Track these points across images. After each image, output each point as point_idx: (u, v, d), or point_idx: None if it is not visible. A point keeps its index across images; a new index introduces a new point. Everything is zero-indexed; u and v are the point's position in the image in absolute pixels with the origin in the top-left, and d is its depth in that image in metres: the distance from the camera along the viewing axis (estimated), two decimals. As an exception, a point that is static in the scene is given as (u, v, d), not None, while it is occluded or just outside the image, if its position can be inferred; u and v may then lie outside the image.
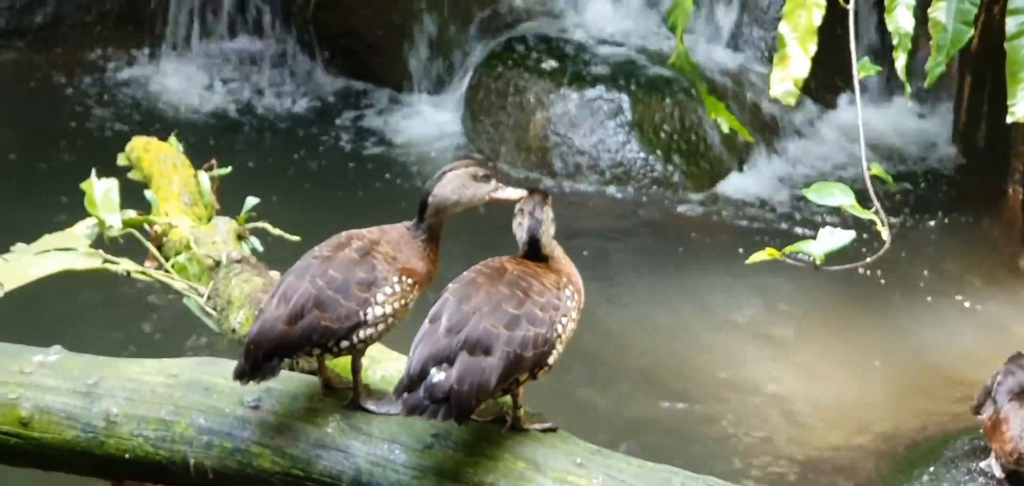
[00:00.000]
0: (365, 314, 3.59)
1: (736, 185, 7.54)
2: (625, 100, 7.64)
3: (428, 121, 8.22)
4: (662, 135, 7.57)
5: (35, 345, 4.06)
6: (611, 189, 7.49)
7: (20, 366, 3.97)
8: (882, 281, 6.44)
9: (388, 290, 3.62)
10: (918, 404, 5.67)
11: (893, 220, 6.57)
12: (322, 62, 8.68)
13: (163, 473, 3.85)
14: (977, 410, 5.00)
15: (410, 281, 3.65)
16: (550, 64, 7.91)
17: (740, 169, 7.62)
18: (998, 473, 4.98)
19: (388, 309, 3.62)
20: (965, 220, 7.21)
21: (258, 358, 3.57)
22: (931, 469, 5.13)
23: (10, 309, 4.53)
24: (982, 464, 5.05)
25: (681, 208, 7.34)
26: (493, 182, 3.72)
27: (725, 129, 6.59)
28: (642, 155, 7.53)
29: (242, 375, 3.59)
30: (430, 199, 3.68)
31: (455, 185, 3.69)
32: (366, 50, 8.53)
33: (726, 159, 7.61)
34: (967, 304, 6.46)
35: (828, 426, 5.53)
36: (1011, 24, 5.68)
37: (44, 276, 4.60)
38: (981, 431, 5.05)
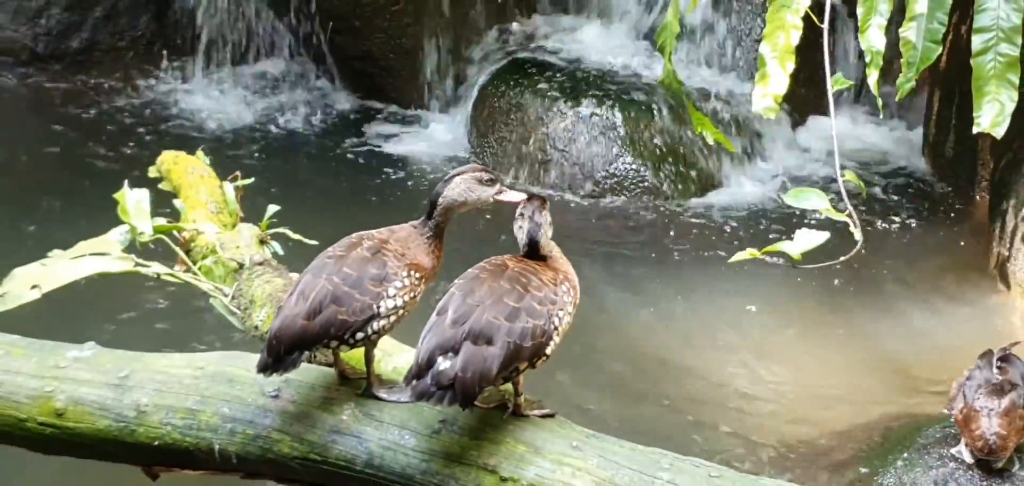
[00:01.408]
0: (378, 307, 3.62)
1: (720, 193, 7.55)
2: (617, 116, 7.64)
3: (436, 136, 8.23)
4: (652, 148, 7.58)
5: (71, 342, 4.07)
6: (605, 198, 7.49)
7: (56, 361, 3.98)
8: (859, 282, 6.43)
9: (398, 284, 3.64)
10: (892, 396, 5.65)
11: (867, 225, 6.57)
12: (338, 83, 8.68)
13: (190, 459, 3.87)
14: (951, 403, 5.00)
15: (418, 275, 3.68)
16: (548, 84, 7.91)
17: (724, 179, 7.62)
18: (968, 458, 4.97)
19: (399, 301, 3.65)
20: (936, 225, 7.20)
21: (280, 352, 3.59)
22: (905, 455, 5.12)
23: (48, 309, 4.54)
24: (953, 451, 5.03)
25: (669, 215, 7.35)
26: (497, 186, 3.77)
27: (710, 141, 6.62)
28: (633, 166, 7.53)
29: (265, 368, 3.61)
30: (440, 200, 3.72)
31: (462, 187, 3.73)
32: (379, 72, 8.54)
33: (711, 169, 7.62)
34: (938, 304, 6.45)
35: (808, 415, 5.52)
36: (976, 42, 5.69)
37: (80, 278, 4.61)
38: (953, 421, 5.04)
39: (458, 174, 3.75)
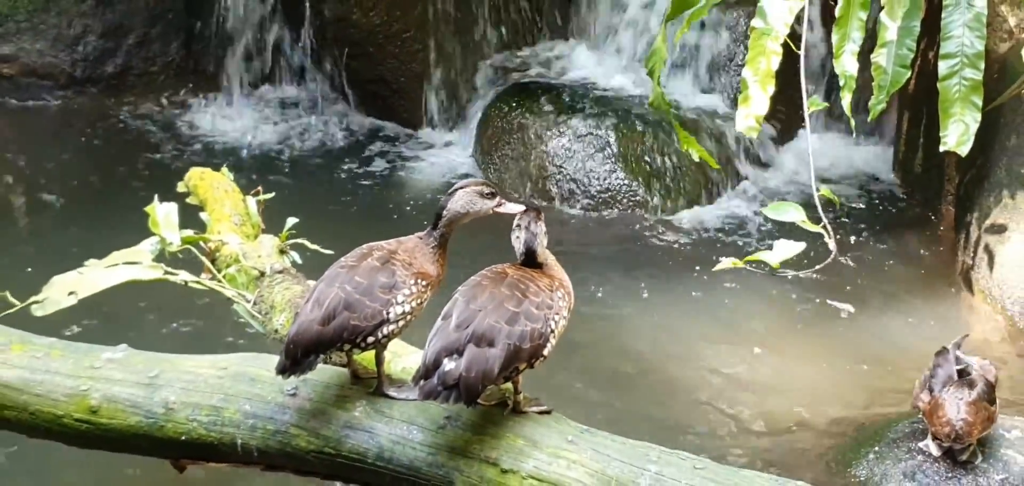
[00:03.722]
0: (387, 313, 3.62)
1: (706, 207, 7.54)
2: (611, 135, 7.64)
3: (443, 154, 8.23)
4: (643, 165, 7.58)
5: (105, 344, 4.07)
6: (600, 211, 7.49)
7: (91, 362, 3.99)
8: (834, 288, 6.42)
9: (406, 291, 3.65)
10: (865, 394, 5.65)
11: (841, 236, 6.57)
12: (353, 105, 8.69)
13: (214, 453, 3.88)
14: (917, 398, 5.00)
15: (424, 283, 3.69)
16: (548, 106, 7.91)
17: (709, 193, 7.63)
18: (935, 452, 4.97)
19: (407, 308, 3.65)
20: (906, 236, 7.19)
21: (297, 354, 3.60)
22: (876, 449, 5.12)
23: (84, 314, 4.56)
24: (921, 444, 5.03)
25: (659, 226, 7.35)
26: (497, 198, 3.78)
27: (696, 158, 6.62)
28: (626, 182, 7.52)
29: (283, 370, 3.62)
30: (445, 211, 3.73)
31: (465, 200, 3.74)
32: (391, 94, 8.54)
33: (697, 184, 7.61)
34: (908, 308, 6.43)
35: (786, 412, 5.51)
36: (943, 67, 5.70)
37: (113, 286, 4.61)
38: (920, 415, 5.04)
39: (461, 187, 3.77)
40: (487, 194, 3.76)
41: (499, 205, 3.77)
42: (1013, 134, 6.40)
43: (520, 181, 7.71)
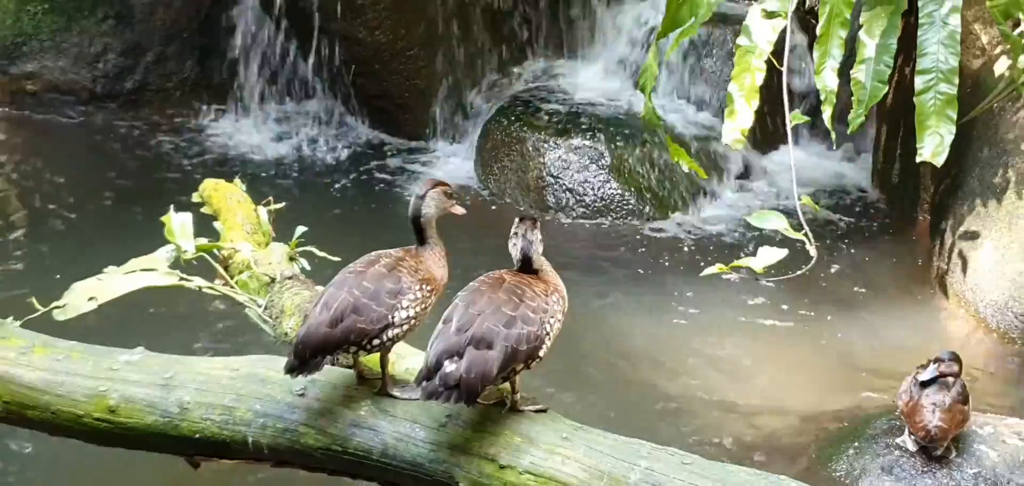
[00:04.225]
0: (393, 317, 3.63)
1: (694, 215, 7.54)
2: (604, 148, 7.64)
3: (446, 166, 8.23)
4: (634, 175, 7.58)
5: (123, 347, 4.08)
6: (594, 219, 7.49)
7: (109, 364, 3.99)
8: (815, 292, 6.42)
9: (411, 297, 3.66)
10: (845, 392, 5.65)
11: (822, 243, 6.56)
12: (360, 119, 8.69)
13: (227, 450, 3.89)
14: (900, 396, 5.02)
15: (429, 288, 3.70)
16: (544, 119, 7.92)
17: (697, 202, 7.63)
18: (911, 447, 4.99)
19: (411, 312, 3.66)
20: (884, 242, 7.20)
21: (306, 355, 3.60)
22: (856, 444, 5.13)
23: (102, 319, 4.55)
24: (898, 440, 5.04)
25: (650, 234, 7.35)
26: (453, 200, 3.84)
27: (685, 169, 6.63)
28: (619, 192, 7.53)
29: (292, 370, 3.62)
30: (422, 219, 3.77)
31: (436, 203, 3.83)
32: (396, 109, 8.54)
33: (686, 194, 7.62)
34: (885, 311, 6.44)
35: (771, 408, 5.51)
36: (919, 82, 5.71)
37: (130, 291, 4.62)
38: (899, 414, 5.05)
39: (428, 192, 3.80)
40: (449, 194, 3.83)
41: (453, 207, 3.85)
42: (985, 146, 6.41)
43: (519, 191, 7.71)
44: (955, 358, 5.00)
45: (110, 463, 4.36)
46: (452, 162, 8.26)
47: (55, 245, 6.90)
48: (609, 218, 7.48)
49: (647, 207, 7.50)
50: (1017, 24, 5.98)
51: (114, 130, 8.46)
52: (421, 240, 3.79)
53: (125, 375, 3.94)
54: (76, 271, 4.73)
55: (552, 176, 7.63)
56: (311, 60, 8.65)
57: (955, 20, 5.72)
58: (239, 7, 8.67)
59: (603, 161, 7.60)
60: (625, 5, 8.77)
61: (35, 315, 4.44)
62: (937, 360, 4.98)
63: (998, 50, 6.42)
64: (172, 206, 4.92)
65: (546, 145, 7.72)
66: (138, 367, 3.96)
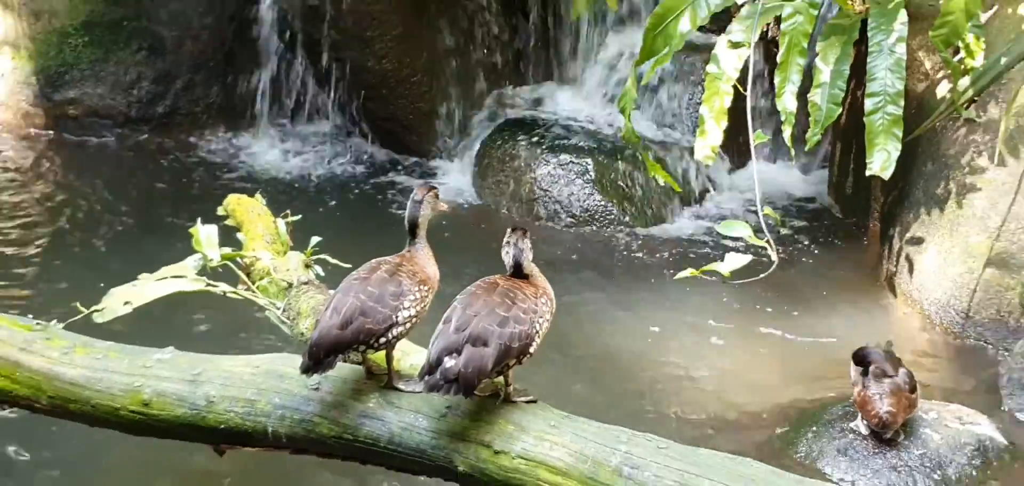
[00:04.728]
0: (396, 317, 3.63)
1: (669, 224, 7.54)
2: (589, 164, 7.64)
3: (447, 181, 8.22)
4: (616, 188, 7.58)
5: (155, 347, 4.07)
6: (580, 228, 7.49)
7: (143, 362, 3.98)
8: (778, 293, 6.41)
9: (412, 298, 3.65)
10: (805, 382, 5.65)
11: (784, 249, 6.56)
12: (369, 138, 8.68)
13: (249, 439, 3.87)
14: (853, 387, 5.02)
15: (426, 288, 3.70)
16: (535, 139, 7.92)
17: (672, 213, 7.63)
18: (863, 431, 5.00)
19: (412, 312, 3.66)
20: (839, 248, 7.20)
21: (319, 355, 3.59)
22: (814, 429, 5.13)
23: (136, 321, 4.54)
24: (852, 424, 5.05)
25: (630, 241, 7.35)
26: (441, 201, 3.86)
27: (661, 183, 6.63)
28: (602, 203, 7.53)
29: (307, 369, 3.61)
30: (420, 220, 3.75)
31: (430, 205, 3.83)
32: (402, 130, 8.54)
33: (662, 205, 7.62)
34: (841, 309, 6.43)
35: (738, 398, 5.51)
36: (869, 104, 5.72)
37: (162, 296, 4.61)
38: (852, 401, 5.05)
39: (422, 198, 3.80)
40: (438, 196, 3.84)
41: (442, 206, 3.87)
42: (929, 160, 6.42)
43: (512, 203, 7.71)
44: (889, 357, 5.01)
45: (140, 452, 4.35)
46: (452, 177, 8.26)
47: (94, 254, 6.89)
48: (593, 226, 7.48)
49: (627, 217, 7.50)
50: (957, 51, 5.99)
51: (147, 150, 8.45)
52: (412, 239, 3.79)
53: (157, 372, 3.93)
54: (113, 278, 4.72)
55: (542, 189, 7.62)
56: (325, 86, 8.65)
57: (901, 48, 5.74)
58: (260, 40, 8.66)
59: (588, 175, 7.60)
60: (607, 36, 8.77)
61: (76, 318, 4.43)
62: (860, 356, 4.98)
63: (940, 75, 6.43)
64: (199, 219, 4.91)
65: (536, 161, 7.72)
66: (169, 365, 3.95)
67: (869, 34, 5.82)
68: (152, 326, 4.63)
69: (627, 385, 5.55)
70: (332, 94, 8.66)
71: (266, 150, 8.54)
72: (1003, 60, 6.02)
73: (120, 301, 4.50)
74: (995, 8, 6.33)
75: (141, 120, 8.62)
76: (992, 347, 5.86)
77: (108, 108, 8.59)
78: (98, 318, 4.46)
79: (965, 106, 6.18)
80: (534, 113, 8.49)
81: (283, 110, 8.75)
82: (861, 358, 4.99)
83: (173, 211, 7.34)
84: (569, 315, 5.87)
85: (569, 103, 8.60)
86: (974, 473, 4.90)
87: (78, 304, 4.51)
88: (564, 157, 7.69)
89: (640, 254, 7.15)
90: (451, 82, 8.53)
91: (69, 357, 4.02)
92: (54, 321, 4.25)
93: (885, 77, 5.70)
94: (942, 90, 6.37)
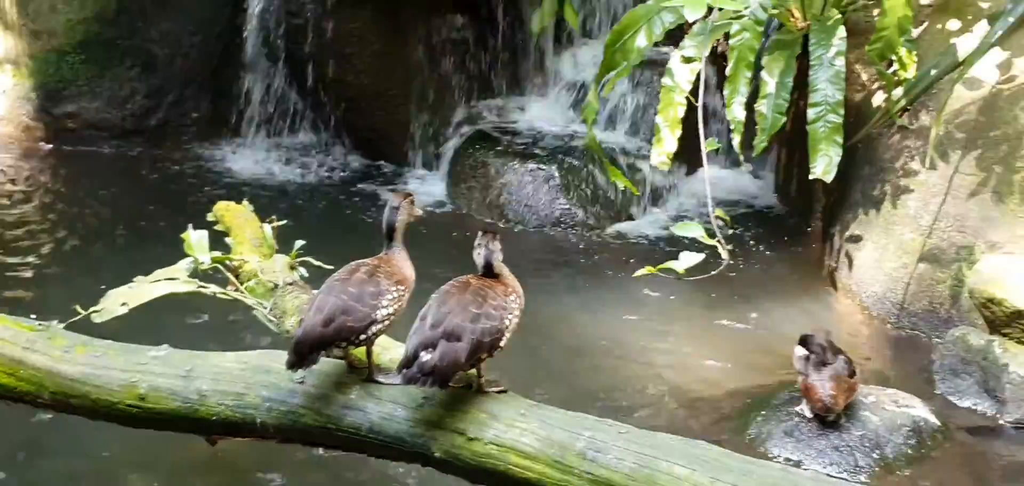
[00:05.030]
0: (376, 315, 3.62)
1: (629, 225, 7.57)
2: (555, 170, 7.66)
3: (423, 187, 8.22)
4: (580, 192, 7.60)
5: (150, 345, 4.06)
6: (546, 230, 7.51)
7: (139, 359, 3.97)
8: (729, 288, 6.46)
9: (389, 297, 3.66)
10: (754, 370, 5.68)
11: (734, 247, 6.61)
12: (350, 148, 8.67)
13: (239, 429, 3.88)
14: (798, 375, 5.06)
15: (403, 288, 3.70)
16: (505, 147, 7.93)
17: (632, 215, 7.67)
18: (808, 414, 5.04)
19: (390, 309, 3.66)
20: (785, 246, 7.24)
21: (304, 352, 3.59)
22: (763, 413, 5.17)
23: (133, 320, 4.52)
24: (797, 408, 5.09)
25: (593, 241, 7.38)
26: (416, 207, 3.85)
27: (621, 187, 6.67)
28: (567, 207, 7.55)
29: (292, 365, 3.61)
30: (396, 225, 3.75)
31: (406, 211, 3.82)
32: (380, 139, 8.53)
33: (622, 208, 7.65)
34: (787, 302, 6.47)
35: (693, 386, 5.54)
36: (811, 113, 5.78)
37: (156, 297, 4.59)
38: (797, 388, 5.10)
39: (399, 204, 3.81)
40: (413, 202, 3.85)
41: (416, 211, 3.87)
42: (866, 165, 6.48)
43: (483, 207, 7.72)
44: (830, 346, 5.05)
45: (138, 442, 4.33)
46: (427, 184, 8.25)
47: (92, 258, 6.84)
48: (559, 229, 7.50)
49: (590, 219, 7.53)
50: (891, 64, 6.07)
51: (141, 160, 8.40)
52: (390, 243, 3.79)
53: (152, 368, 3.93)
54: (110, 280, 4.69)
55: (511, 194, 7.64)
56: (308, 99, 8.63)
57: (840, 62, 5.81)
58: (246, 56, 8.63)
59: (553, 181, 7.62)
60: (570, 51, 8.79)
61: (76, 318, 4.39)
62: (804, 342, 5.02)
63: (876, 85, 6.50)
64: (190, 225, 4.89)
65: (506, 168, 7.74)
66: (163, 361, 3.94)
67: (810, 49, 5.88)
68: (147, 325, 4.60)
69: (592, 376, 5.57)
70: (315, 107, 8.64)
71: (253, 159, 8.50)
72: (933, 72, 6.11)
73: (117, 302, 4.48)
74: (925, 24, 6.42)
75: (135, 132, 8.57)
76: (925, 336, 5.92)
77: (104, 121, 8.54)
78: (96, 318, 4.43)
79: (899, 114, 6.26)
80: (503, 123, 8.50)
81: (269, 122, 8.72)
82: (805, 344, 5.04)
83: (165, 217, 7.29)
84: (537, 311, 5.86)
85: (536, 113, 8.62)
86: (909, 451, 4.96)
87: (77, 306, 4.48)
88: (531, 164, 7.71)
89: (603, 254, 7.18)
90: (426, 95, 8.53)
91: (70, 355, 4.01)
92: (55, 321, 4.23)
93: (826, 88, 5.76)
94: (878, 100, 6.44)
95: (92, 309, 4.47)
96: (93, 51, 8.50)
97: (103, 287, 4.62)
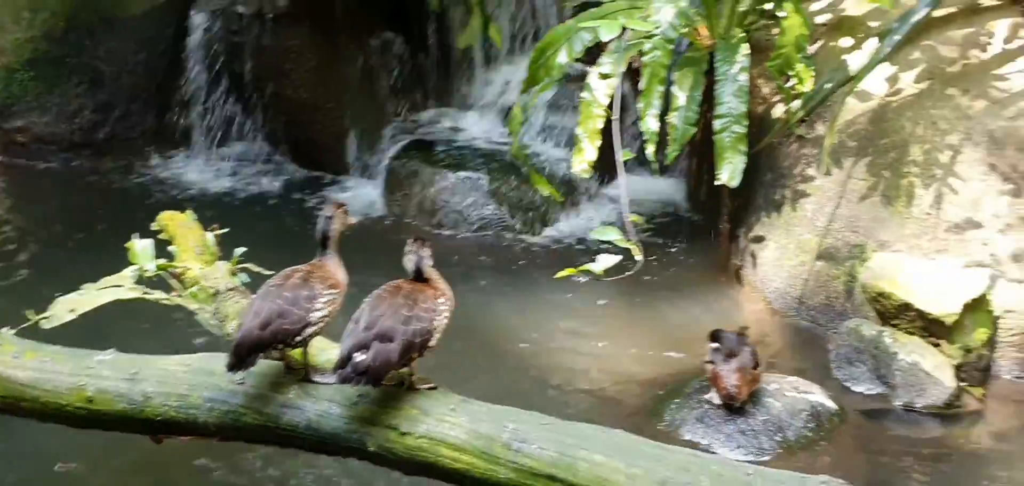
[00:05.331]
0: (310, 317, 3.60)
1: (552, 230, 7.56)
2: (484, 178, 7.66)
3: (361, 195, 8.14)
4: (508, 198, 7.61)
5: (97, 349, 3.98)
6: (477, 234, 7.51)
7: (86, 363, 3.90)
8: (644, 287, 6.47)
9: (323, 300, 3.63)
10: (667, 363, 5.74)
11: (649, 249, 6.65)
12: (290, 159, 8.57)
13: (183, 429, 3.83)
14: (705, 366, 5.14)
15: (336, 291, 3.67)
16: (437, 156, 7.91)
17: (555, 220, 7.67)
18: (717, 402, 5.13)
19: (324, 312, 3.63)
20: (696, 247, 7.27)
21: (243, 354, 3.55)
22: (676, 401, 5.24)
23: (80, 327, 4.43)
24: (707, 397, 5.18)
25: (521, 245, 7.38)
26: (349, 215, 3.81)
27: (545, 194, 6.70)
28: (496, 213, 7.56)
29: (232, 367, 3.57)
30: (330, 233, 3.72)
31: (339, 220, 3.79)
32: (319, 150, 8.45)
33: (547, 214, 7.65)
34: (697, 299, 6.53)
35: (611, 378, 5.59)
36: (717, 124, 5.88)
37: (103, 303, 4.51)
38: (706, 378, 5.18)
39: (333, 214, 3.79)
40: (346, 211, 3.81)
41: (350, 219, 3.83)
42: (768, 171, 6.59)
43: (418, 213, 7.69)
44: (740, 339, 5.14)
45: (87, 442, 4.25)
46: (364, 192, 8.18)
47: (41, 266, 6.69)
48: (489, 233, 7.50)
49: (518, 224, 7.53)
50: (789, 79, 6.18)
51: (89, 173, 8.21)
52: (324, 250, 3.77)
53: (99, 372, 3.86)
54: (59, 287, 4.60)
55: (443, 201, 7.62)
56: (249, 113, 8.52)
57: (744, 77, 5.91)
58: (189, 72, 8.49)
59: (483, 188, 7.61)
60: (498, 66, 8.81)
61: (26, 325, 4.31)
62: (715, 336, 5.10)
63: (776, 98, 6.61)
64: (136, 234, 4.81)
65: (438, 176, 7.71)
66: (110, 365, 3.88)
67: (717, 65, 5.98)
68: (95, 331, 4.52)
69: (518, 372, 5.59)
70: (255, 120, 8.54)
71: (196, 171, 8.36)
72: (828, 85, 6.24)
73: (66, 308, 4.40)
74: (821, 42, 6.55)
75: (83, 145, 8.38)
76: (822, 327, 6.03)
77: (53, 135, 8.33)
78: (45, 324, 4.35)
79: (797, 125, 6.38)
80: (435, 134, 8.48)
81: (211, 134, 8.59)
82: (715, 338, 5.12)
83: (112, 227, 7.12)
84: (468, 312, 5.85)
85: (466, 124, 8.61)
86: (809, 434, 5.06)
87: (28, 312, 4.38)
88: (462, 172, 7.70)
89: (529, 256, 7.19)
90: (362, 108, 8.47)
91: (20, 360, 3.92)
92: (6, 328, 4.13)
93: (731, 101, 5.86)
94: (778, 111, 6.55)
95: (41, 315, 4.38)
96: (41, 68, 8.29)
97: (53, 294, 4.52)
